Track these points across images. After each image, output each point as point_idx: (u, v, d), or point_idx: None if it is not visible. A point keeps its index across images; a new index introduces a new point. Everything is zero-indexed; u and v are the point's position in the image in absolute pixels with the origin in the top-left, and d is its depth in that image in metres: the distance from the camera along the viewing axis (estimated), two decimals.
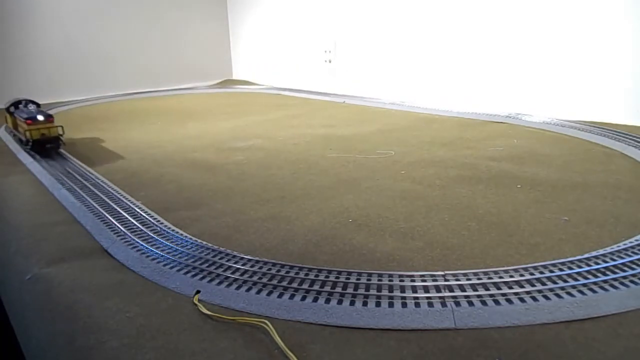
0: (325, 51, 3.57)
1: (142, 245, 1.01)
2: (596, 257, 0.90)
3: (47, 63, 3.61)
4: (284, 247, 1.03)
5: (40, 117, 1.80)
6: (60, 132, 1.83)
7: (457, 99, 2.69)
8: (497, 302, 0.76)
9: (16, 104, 2.04)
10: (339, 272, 0.87)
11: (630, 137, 1.76)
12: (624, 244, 0.96)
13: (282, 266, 0.90)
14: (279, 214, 1.21)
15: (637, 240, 0.97)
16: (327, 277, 0.86)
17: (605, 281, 0.81)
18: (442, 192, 1.33)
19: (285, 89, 3.80)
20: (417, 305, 0.77)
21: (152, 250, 0.99)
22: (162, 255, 0.96)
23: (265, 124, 2.46)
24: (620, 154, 1.64)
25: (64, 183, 1.47)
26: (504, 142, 1.84)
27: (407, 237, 1.05)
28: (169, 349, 0.70)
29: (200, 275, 0.88)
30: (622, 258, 0.89)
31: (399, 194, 1.33)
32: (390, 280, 0.84)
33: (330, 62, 3.57)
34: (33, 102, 2.04)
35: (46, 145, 1.81)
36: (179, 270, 0.90)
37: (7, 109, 2.07)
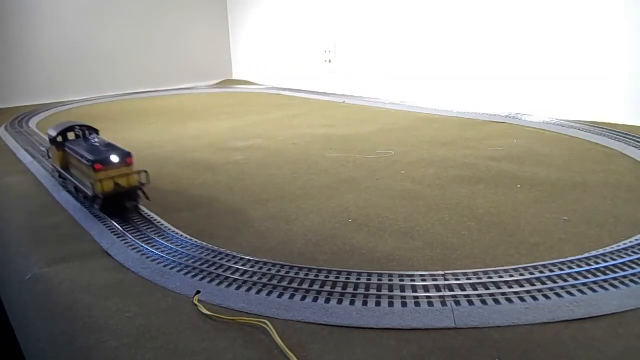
0: (325, 51, 3.57)
1: (142, 246, 1.01)
2: (596, 256, 0.90)
3: (47, 63, 3.61)
4: (284, 247, 1.03)
5: (114, 159, 1.15)
6: (143, 181, 1.19)
7: (457, 99, 2.69)
8: (497, 302, 0.76)
9: (66, 131, 1.38)
10: (339, 272, 0.87)
11: (630, 137, 1.76)
12: (624, 244, 0.96)
13: (282, 266, 0.90)
14: (278, 214, 1.21)
15: (637, 240, 0.97)
16: (327, 277, 0.86)
17: (605, 281, 0.81)
18: (442, 192, 1.33)
19: (285, 89, 3.80)
20: (417, 304, 0.77)
21: (152, 251, 0.99)
22: (162, 256, 0.96)
23: (265, 124, 2.46)
24: (620, 154, 1.64)
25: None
26: (504, 142, 1.84)
27: (407, 237, 1.05)
28: (169, 349, 0.70)
29: (200, 276, 0.88)
30: (622, 258, 0.89)
31: (399, 194, 1.33)
32: (390, 280, 0.84)
33: (330, 62, 3.56)
34: (89, 128, 1.40)
35: (124, 204, 1.18)
36: (179, 271, 0.90)
37: (54, 139, 1.37)
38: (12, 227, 1.23)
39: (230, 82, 4.48)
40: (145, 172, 1.19)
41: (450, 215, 1.16)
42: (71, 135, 1.38)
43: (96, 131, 1.40)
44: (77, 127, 1.38)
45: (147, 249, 1.00)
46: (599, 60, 2.11)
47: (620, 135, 1.79)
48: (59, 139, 1.37)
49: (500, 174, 1.46)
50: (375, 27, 3.17)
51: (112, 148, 1.22)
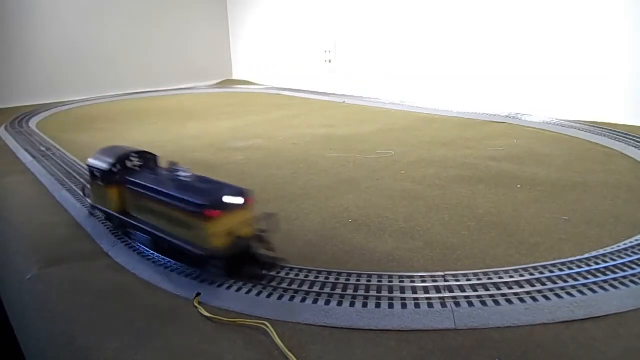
0: (325, 51, 3.57)
1: (142, 247, 1.01)
2: (596, 257, 0.90)
3: (47, 63, 3.60)
4: (283, 247, 1.02)
5: (235, 200, 0.84)
6: (264, 228, 0.87)
7: (457, 99, 2.69)
8: (497, 303, 0.76)
9: (123, 159, 1.01)
10: (339, 274, 0.87)
11: (630, 137, 1.75)
12: (624, 244, 0.96)
13: (282, 267, 0.90)
14: (278, 214, 1.21)
15: (637, 240, 0.97)
16: (327, 278, 0.86)
17: (605, 281, 0.81)
18: (442, 192, 1.33)
19: (285, 89, 3.80)
20: (417, 305, 0.77)
21: (152, 253, 0.98)
22: (163, 258, 0.96)
23: (265, 124, 2.46)
24: (620, 154, 1.64)
25: (64, 184, 1.46)
26: (504, 142, 1.84)
27: (407, 237, 1.05)
28: (169, 350, 0.70)
29: (201, 278, 0.88)
30: (622, 258, 0.89)
31: (399, 194, 1.32)
32: (390, 281, 0.84)
33: (330, 62, 3.56)
34: (149, 154, 1.06)
35: (250, 267, 0.85)
36: (179, 273, 0.90)
37: (111, 171, 1.01)
38: (12, 227, 1.23)
39: (230, 82, 4.48)
40: (274, 215, 0.86)
41: (450, 215, 1.16)
42: (129, 165, 1.01)
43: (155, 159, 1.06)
44: (133, 154, 1.02)
45: (147, 250, 1.00)
46: (598, 60, 2.11)
47: (620, 135, 1.79)
48: (116, 168, 0.99)
49: (500, 174, 1.46)
50: (375, 27, 3.16)
51: (212, 183, 0.89)
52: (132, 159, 1.01)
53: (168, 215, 0.88)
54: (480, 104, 2.55)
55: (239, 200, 0.83)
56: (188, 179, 0.90)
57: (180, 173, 0.92)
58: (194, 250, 0.83)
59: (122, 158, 1.01)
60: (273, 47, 4.15)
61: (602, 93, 2.11)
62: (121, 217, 1.01)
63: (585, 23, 2.13)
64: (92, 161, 1.07)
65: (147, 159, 1.04)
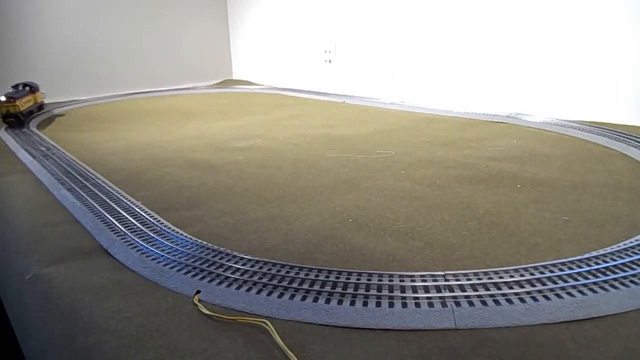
0: (325, 51, 3.57)
1: (142, 245, 1.01)
2: (596, 257, 0.90)
3: (47, 63, 3.61)
4: (284, 247, 1.02)
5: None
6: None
7: (457, 99, 2.69)
8: (497, 302, 0.76)
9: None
10: (339, 272, 0.87)
11: (630, 137, 1.76)
12: (624, 244, 0.96)
13: (282, 266, 0.90)
14: (279, 214, 1.21)
15: (637, 240, 0.97)
16: (327, 277, 0.86)
17: (605, 281, 0.81)
18: (442, 192, 1.33)
19: (285, 89, 3.80)
20: (418, 305, 0.77)
21: (152, 250, 0.99)
22: (162, 255, 0.96)
23: (265, 124, 2.46)
24: (620, 154, 1.64)
25: (64, 183, 1.47)
26: (504, 142, 1.84)
27: (407, 237, 1.05)
28: (169, 349, 0.70)
29: (201, 275, 0.88)
30: (622, 258, 0.89)
31: (399, 194, 1.32)
32: (390, 280, 0.84)
33: (330, 62, 3.56)
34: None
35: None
36: (179, 270, 0.90)
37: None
38: (12, 226, 1.23)
39: (230, 82, 4.48)
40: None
41: (450, 215, 1.16)
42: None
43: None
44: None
45: (147, 247, 1.00)
46: (599, 60, 2.11)
47: (620, 135, 1.79)
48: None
49: (500, 174, 1.46)
50: (375, 27, 3.17)
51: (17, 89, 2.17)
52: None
53: None
54: (480, 104, 2.55)
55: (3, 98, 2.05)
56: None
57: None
58: None
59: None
60: (273, 47, 4.15)
61: (602, 93, 2.12)
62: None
63: (585, 23, 2.13)
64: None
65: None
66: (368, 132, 2.13)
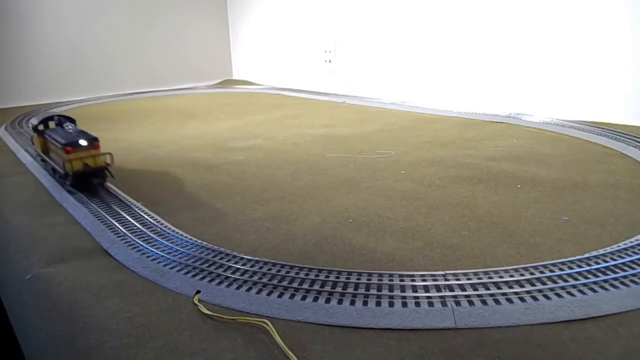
0: (325, 51, 3.57)
1: (142, 245, 1.01)
2: (596, 257, 0.90)
3: (47, 63, 3.61)
4: (284, 247, 1.02)
5: (83, 142, 1.34)
6: (108, 162, 1.40)
7: (457, 99, 2.69)
8: (497, 302, 0.76)
9: (47, 120, 1.57)
10: (339, 272, 0.87)
11: (630, 137, 1.76)
12: (624, 244, 0.96)
13: (282, 266, 0.90)
14: (279, 214, 1.21)
15: (637, 240, 0.97)
16: (327, 277, 0.86)
17: (605, 281, 0.81)
18: (442, 192, 1.33)
19: (285, 89, 3.80)
20: (418, 304, 0.77)
21: (152, 251, 0.99)
22: (162, 256, 0.96)
23: (265, 124, 2.46)
24: (620, 154, 1.64)
25: (63, 184, 1.46)
26: (504, 142, 1.84)
27: (407, 237, 1.05)
28: (169, 349, 0.70)
29: (201, 275, 0.88)
30: (622, 258, 0.89)
31: (399, 194, 1.32)
32: (390, 280, 0.84)
33: (330, 62, 3.56)
34: (65, 117, 1.58)
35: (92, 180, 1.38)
36: (179, 271, 0.90)
37: (36, 128, 1.57)
38: (12, 226, 1.23)
39: (230, 82, 4.48)
40: (110, 154, 1.39)
41: (450, 215, 1.16)
42: (51, 124, 1.57)
43: (73, 121, 1.56)
44: (55, 117, 1.57)
45: (147, 248, 1.00)
46: (598, 60, 2.11)
47: (620, 135, 1.79)
48: (40, 127, 1.56)
49: (500, 174, 1.46)
50: (375, 27, 3.17)
51: (81, 133, 1.42)
52: (55, 119, 1.56)
53: (54, 150, 1.45)
54: (480, 104, 2.55)
55: (85, 143, 1.33)
56: (70, 131, 1.45)
57: (68, 127, 1.48)
58: (60, 169, 1.37)
59: (45, 119, 1.56)
60: (273, 47, 4.15)
61: (602, 93, 2.12)
62: (42, 155, 1.58)
63: (585, 23, 2.13)
64: (32, 120, 1.65)
65: (62, 121, 1.55)
66: (368, 132, 2.13)
